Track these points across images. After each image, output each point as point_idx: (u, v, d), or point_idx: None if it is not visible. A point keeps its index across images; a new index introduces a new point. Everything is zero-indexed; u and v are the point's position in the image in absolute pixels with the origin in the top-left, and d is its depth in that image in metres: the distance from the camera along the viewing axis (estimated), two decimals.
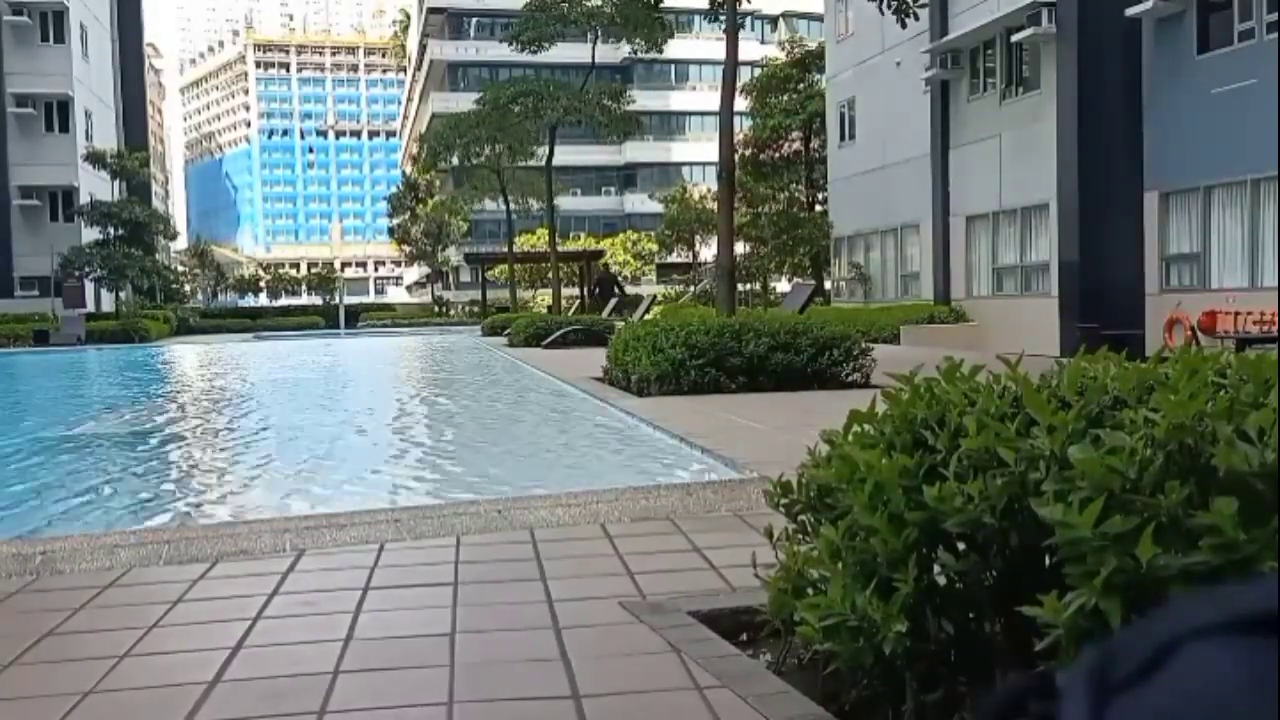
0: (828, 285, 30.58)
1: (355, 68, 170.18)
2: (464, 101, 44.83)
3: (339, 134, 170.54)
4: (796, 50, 39.91)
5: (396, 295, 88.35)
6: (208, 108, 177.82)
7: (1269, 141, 14.34)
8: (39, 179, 39.33)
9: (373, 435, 10.37)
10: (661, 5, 25.80)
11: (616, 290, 36.01)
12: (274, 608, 3.79)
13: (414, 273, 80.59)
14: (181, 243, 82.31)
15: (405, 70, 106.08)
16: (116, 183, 40.02)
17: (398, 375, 20.00)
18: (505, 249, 43.18)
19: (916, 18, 17.32)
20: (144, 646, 3.39)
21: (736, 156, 23.82)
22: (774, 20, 71.60)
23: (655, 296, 38.45)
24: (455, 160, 38.55)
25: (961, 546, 2.32)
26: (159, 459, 8.88)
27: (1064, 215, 18.43)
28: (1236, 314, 15.50)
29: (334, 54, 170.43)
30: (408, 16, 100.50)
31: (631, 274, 61.07)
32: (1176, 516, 1.88)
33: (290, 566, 4.35)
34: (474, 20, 71.50)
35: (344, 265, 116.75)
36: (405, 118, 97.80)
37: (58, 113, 39.84)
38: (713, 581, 3.94)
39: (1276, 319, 14.51)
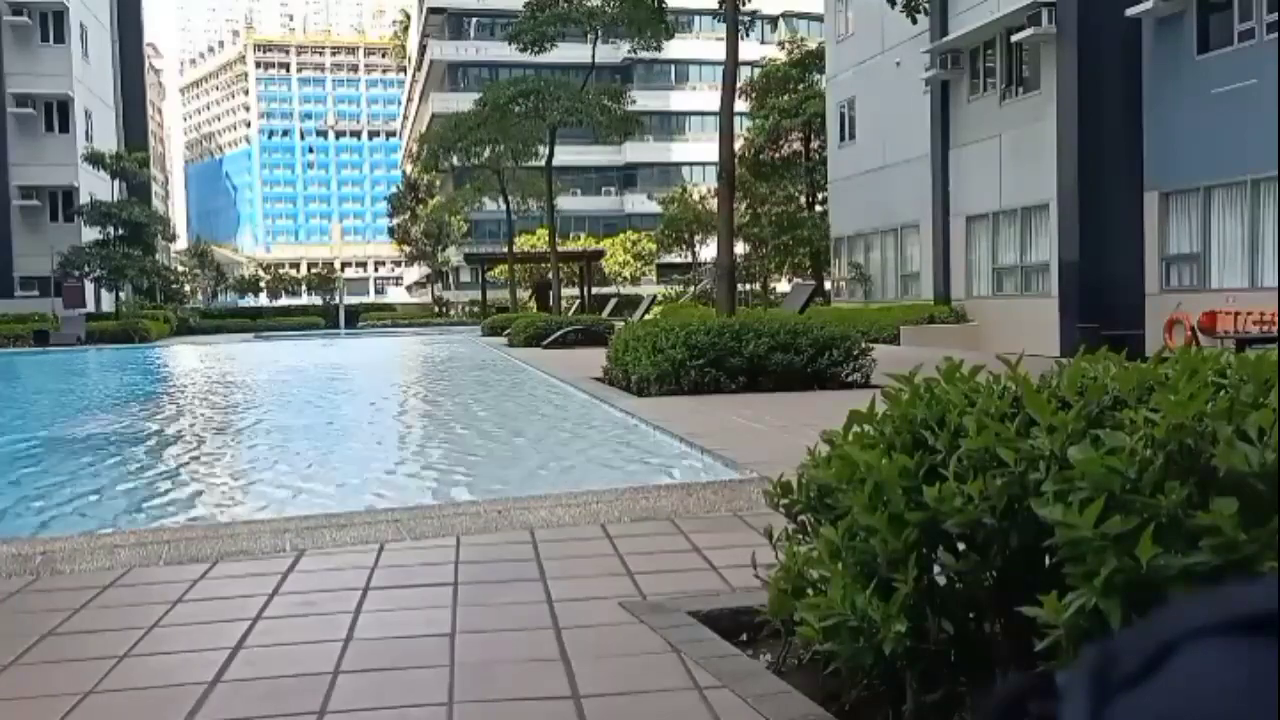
0: (828, 285, 30.56)
1: (355, 68, 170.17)
2: (464, 101, 44.86)
3: (339, 134, 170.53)
4: (796, 50, 39.93)
5: (396, 295, 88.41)
6: (208, 108, 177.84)
7: (1269, 141, 14.33)
8: (39, 179, 39.33)
9: (377, 436, 10.38)
10: (665, 7, 25.80)
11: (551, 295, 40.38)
12: (274, 608, 3.79)
13: (414, 273, 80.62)
14: (181, 243, 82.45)
15: (405, 70, 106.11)
16: (116, 183, 40.02)
17: (400, 377, 19.99)
18: (505, 249, 43.22)
19: (926, 13, 17.37)
20: (144, 646, 3.39)
21: (737, 157, 23.82)
22: (774, 20, 71.58)
23: (655, 296, 38.58)
24: (455, 161, 38.61)
25: (961, 546, 2.32)
26: (188, 461, 8.88)
27: (1064, 215, 18.42)
28: (1236, 314, 15.50)
29: (334, 54, 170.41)
30: (408, 16, 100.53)
31: (631, 274, 61.11)
32: (1176, 516, 1.88)
33: (290, 566, 4.35)
34: (474, 20, 71.49)
35: (344, 265, 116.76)
36: (405, 118, 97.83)
37: (58, 113, 39.83)
38: (713, 581, 3.94)
39: (1276, 319, 14.51)
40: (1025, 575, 2.21)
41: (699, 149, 68.21)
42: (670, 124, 74.73)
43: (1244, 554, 1.77)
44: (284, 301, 72.77)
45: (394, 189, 68.93)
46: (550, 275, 37.58)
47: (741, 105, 34.79)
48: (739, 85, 29.60)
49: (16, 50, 39.23)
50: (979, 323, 21.09)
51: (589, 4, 30.35)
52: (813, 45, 39.36)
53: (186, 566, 4.39)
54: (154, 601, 3.90)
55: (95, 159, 38.81)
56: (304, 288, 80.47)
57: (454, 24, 72.47)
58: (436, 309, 56.50)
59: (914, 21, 18.04)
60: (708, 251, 46.01)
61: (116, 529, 5.52)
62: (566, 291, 43.38)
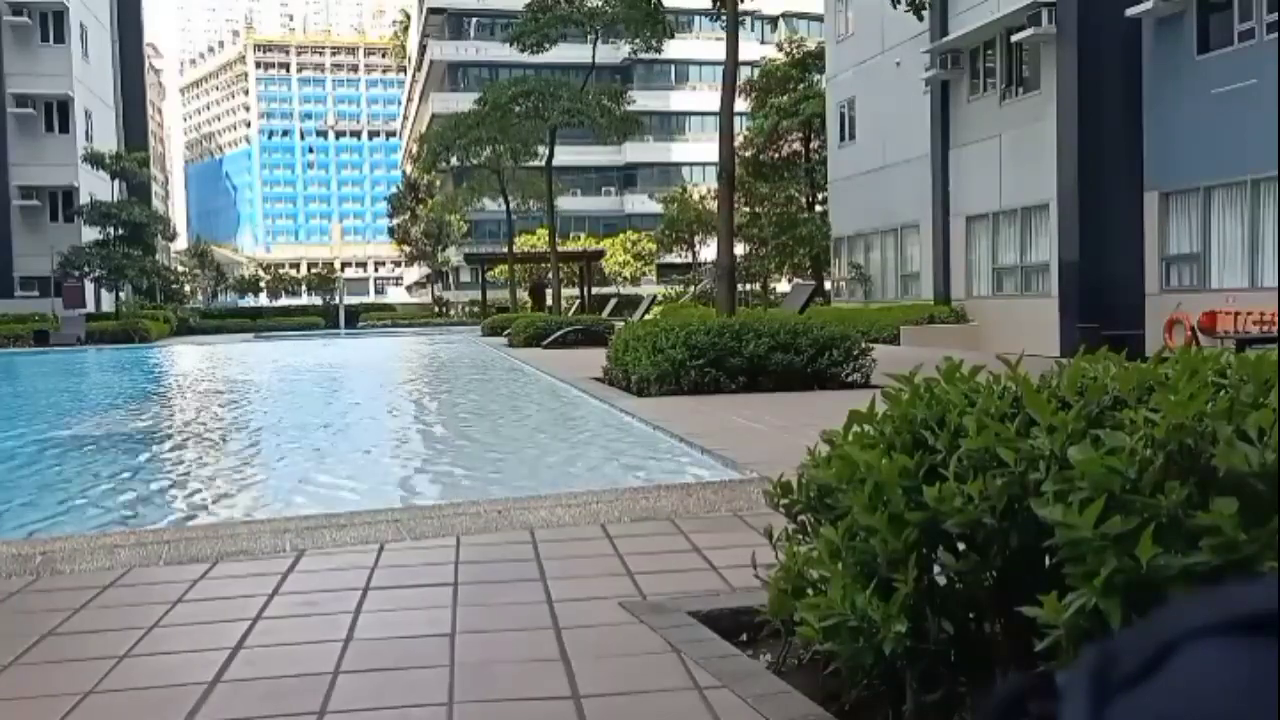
0: (828, 285, 30.56)
1: (355, 68, 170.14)
2: (464, 101, 44.86)
3: (339, 134, 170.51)
4: (796, 50, 39.93)
5: (396, 295, 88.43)
6: (208, 108, 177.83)
7: (1269, 141, 14.33)
8: (39, 179, 39.33)
9: (380, 436, 10.39)
10: (662, 7, 25.80)
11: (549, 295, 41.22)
12: (274, 608, 3.79)
13: (414, 273, 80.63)
14: (181, 243, 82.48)
15: (405, 70, 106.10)
16: (116, 183, 40.03)
17: (402, 379, 19.98)
18: (505, 249, 43.23)
19: (929, 8, 17.42)
20: (144, 647, 3.39)
21: (737, 157, 23.81)
22: (774, 20, 71.58)
23: (655, 296, 38.60)
24: (455, 161, 38.61)
25: (961, 546, 2.32)
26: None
27: (1064, 215, 18.42)
28: (1236, 314, 15.50)
29: (334, 54, 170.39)
30: (408, 17, 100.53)
31: (631, 274, 61.13)
32: (1176, 517, 1.88)
33: (290, 566, 4.35)
34: (474, 20, 71.50)
35: (344, 265, 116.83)
36: (405, 118, 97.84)
37: (58, 113, 39.84)
38: (713, 581, 3.94)
39: (1276, 319, 14.51)
40: (1025, 575, 2.21)
41: (699, 149, 68.20)
42: (670, 124, 74.72)
43: (1244, 554, 1.77)
44: (284, 301, 72.82)
45: (394, 189, 68.94)
46: (545, 276, 37.54)
47: (741, 105, 34.78)
48: (739, 85, 29.59)
49: (16, 50, 39.23)
50: (979, 323, 21.09)
51: (589, 4, 30.34)
52: (812, 45, 39.35)
53: (186, 566, 4.39)
54: (154, 601, 3.90)
55: (95, 159, 38.81)
56: (304, 288, 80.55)
57: (454, 24, 72.48)
58: (436, 309, 56.51)
59: (920, 19, 18.06)
60: (708, 251, 46.01)
61: (117, 529, 5.52)
62: (566, 291, 43.38)
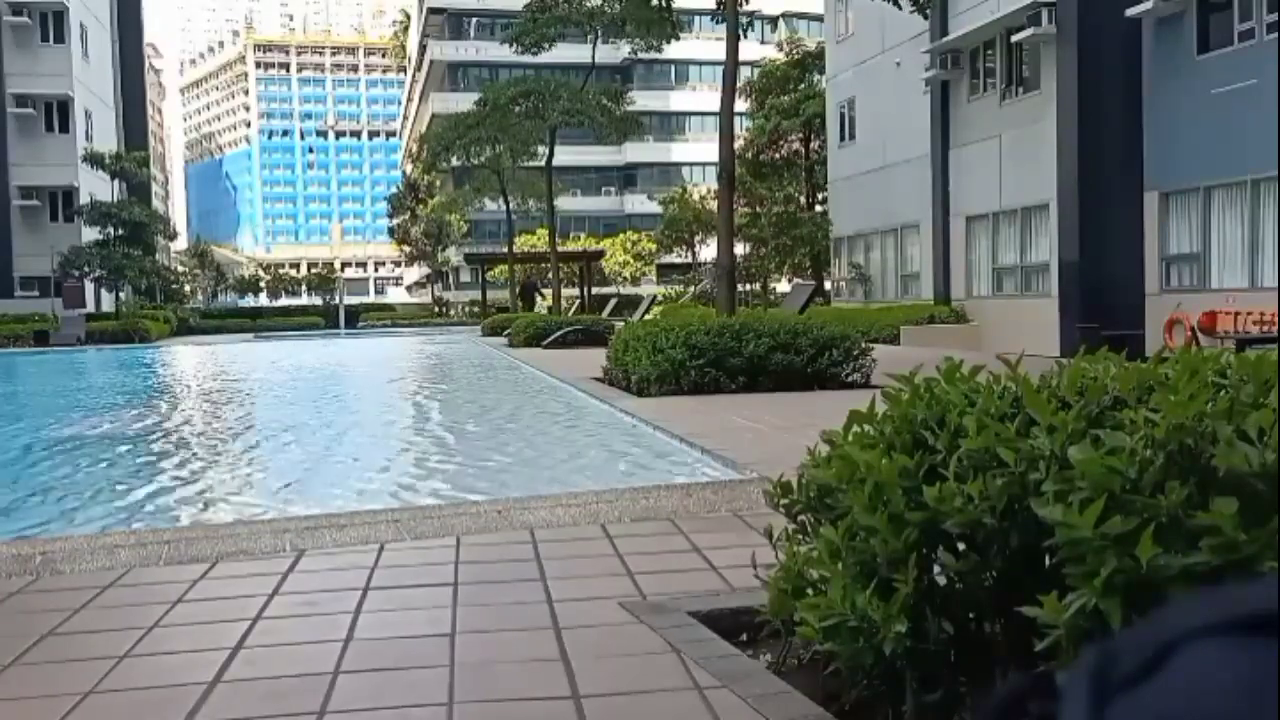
0: (828, 285, 30.56)
1: (355, 68, 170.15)
2: (464, 101, 44.85)
3: (339, 134, 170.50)
4: (796, 51, 39.94)
5: (396, 295, 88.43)
6: (208, 108, 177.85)
7: (1269, 141, 14.34)
8: (39, 179, 39.33)
9: (381, 434, 10.40)
10: (671, 7, 25.78)
11: (539, 296, 41.43)
12: (274, 608, 3.79)
13: (414, 273, 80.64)
14: (181, 243, 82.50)
15: (405, 70, 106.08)
16: (116, 183, 40.04)
17: (402, 379, 19.98)
18: (505, 249, 43.22)
19: (933, 7, 17.47)
20: (144, 647, 3.39)
21: (737, 157, 23.80)
22: (774, 21, 71.57)
23: (655, 296, 38.61)
24: (455, 161, 38.63)
25: (961, 546, 2.32)
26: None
27: (1064, 215, 18.43)
28: (1236, 314, 15.50)
29: (334, 54, 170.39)
30: (408, 17, 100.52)
31: (631, 274, 61.10)
32: (1176, 516, 1.88)
33: (290, 566, 4.35)
34: (474, 20, 71.49)
35: (344, 265, 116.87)
36: (405, 118, 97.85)
37: (58, 113, 39.84)
38: (713, 581, 3.94)
39: (1276, 319, 14.51)
40: (1025, 575, 2.21)
41: (699, 149, 68.19)
42: (670, 124, 74.71)
43: (1244, 554, 1.77)
44: (284, 302, 72.84)
45: (394, 189, 68.94)
46: (544, 276, 37.41)
47: (741, 105, 34.78)
48: (739, 85, 29.55)
49: (16, 50, 39.23)
50: (979, 323, 21.09)
51: (589, 4, 30.31)
52: (812, 45, 39.36)
53: (186, 566, 4.39)
54: (154, 601, 3.90)
55: (95, 159, 38.81)
56: (304, 288, 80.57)
57: (454, 24, 72.47)
58: (436, 309, 56.50)
59: (925, 17, 18.06)
60: (708, 251, 45.94)
61: (117, 529, 5.52)
62: (566, 291, 43.37)
